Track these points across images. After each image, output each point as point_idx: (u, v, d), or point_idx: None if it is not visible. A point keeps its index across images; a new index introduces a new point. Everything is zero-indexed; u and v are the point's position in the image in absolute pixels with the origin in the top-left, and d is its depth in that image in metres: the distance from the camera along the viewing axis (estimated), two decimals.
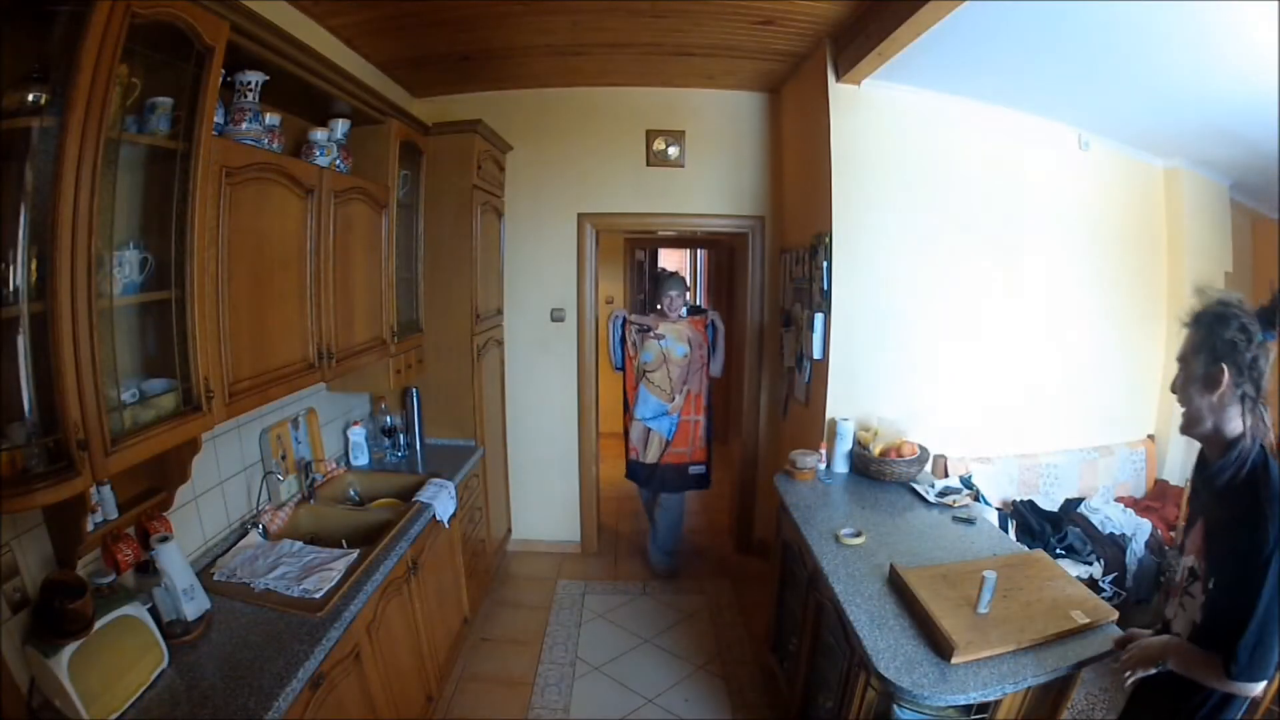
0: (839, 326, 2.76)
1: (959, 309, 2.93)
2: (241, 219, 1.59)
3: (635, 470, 3.68)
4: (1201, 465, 1.32)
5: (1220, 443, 1.22)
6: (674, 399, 3.50)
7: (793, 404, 3.35)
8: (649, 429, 3.56)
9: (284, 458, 2.25)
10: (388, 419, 2.87)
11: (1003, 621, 1.56)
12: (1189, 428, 1.27)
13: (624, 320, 3.55)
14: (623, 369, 3.60)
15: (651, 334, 3.48)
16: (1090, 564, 2.68)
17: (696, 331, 3.51)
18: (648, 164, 3.51)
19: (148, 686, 1.33)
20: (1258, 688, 1.16)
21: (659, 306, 3.59)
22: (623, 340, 3.55)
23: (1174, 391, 1.28)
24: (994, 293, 2.99)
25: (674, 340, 3.46)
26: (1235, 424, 1.19)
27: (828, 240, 2.71)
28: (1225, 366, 1.17)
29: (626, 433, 3.65)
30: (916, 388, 2.89)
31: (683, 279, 3.70)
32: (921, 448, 2.60)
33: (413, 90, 3.33)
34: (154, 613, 1.45)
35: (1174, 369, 1.30)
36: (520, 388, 3.72)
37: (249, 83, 1.70)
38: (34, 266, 1.06)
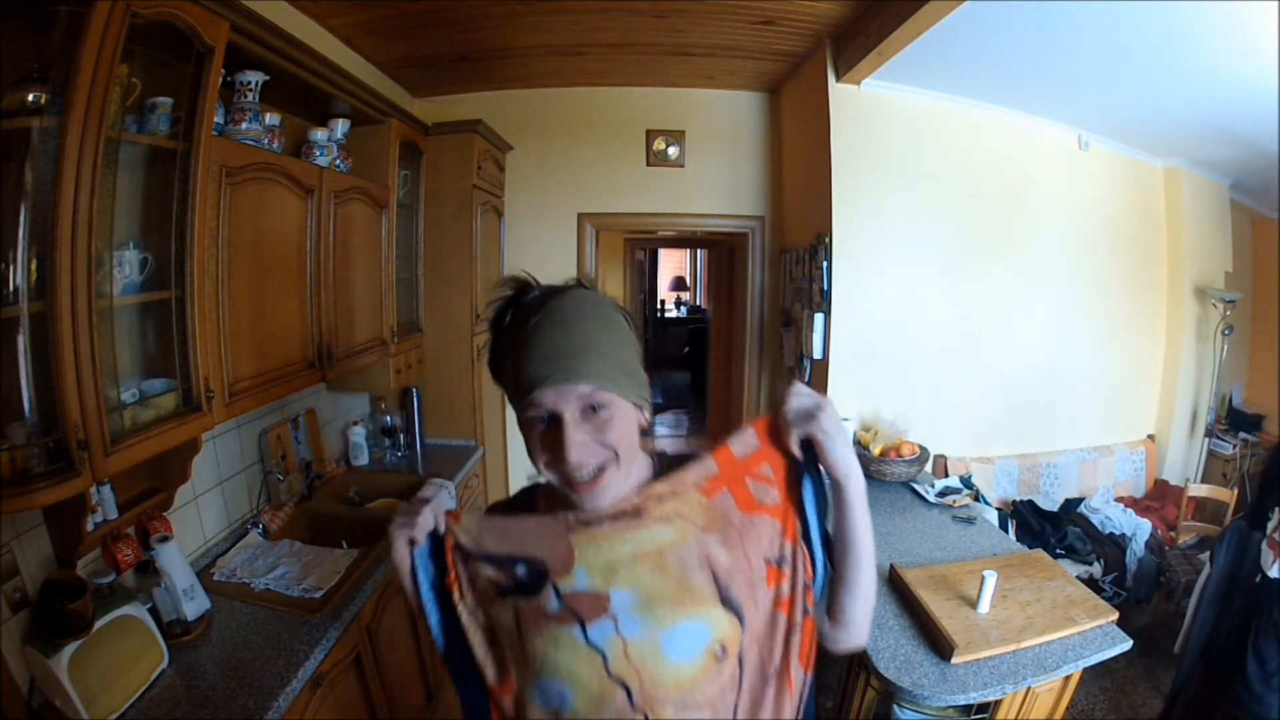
0: (839, 326, 2.76)
1: (959, 308, 2.93)
2: (241, 219, 1.59)
3: None
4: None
5: None
6: None
7: None
8: None
9: (284, 458, 2.25)
10: (388, 419, 2.87)
11: (1003, 621, 1.56)
12: None
13: (439, 539, 0.78)
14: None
15: (556, 604, 0.72)
16: (1090, 564, 2.68)
17: (751, 520, 0.75)
18: (648, 164, 3.51)
19: (148, 686, 1.33)
20: None
21: (552, 456, 0.72)
22: (442, 594, 0.78)
23: None
24: (994, 292, 2.99)
25: (642, 614, 0.70)
26: None
27: (828, 240, 2.71)
28: None
29: None
30: (916, 387, 2.89)
31: (611, 314, 0.76)
32: (921, 448, 2.60)
33: (413, 90, 3.33)
34: (154, 613, 1.45)
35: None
36: None
37: (249, 83, 1.69)
38: (34, 266, 1.06)
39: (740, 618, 0.71)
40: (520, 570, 0.74)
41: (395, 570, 0.79)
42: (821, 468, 0.75)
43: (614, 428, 0.71)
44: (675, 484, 0.75)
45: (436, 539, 0.77)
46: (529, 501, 0.85)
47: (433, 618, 0.78)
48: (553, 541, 0.74)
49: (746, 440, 0.77)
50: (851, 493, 0.75)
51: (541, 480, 0.76)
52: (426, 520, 0.76)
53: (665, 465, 0.80)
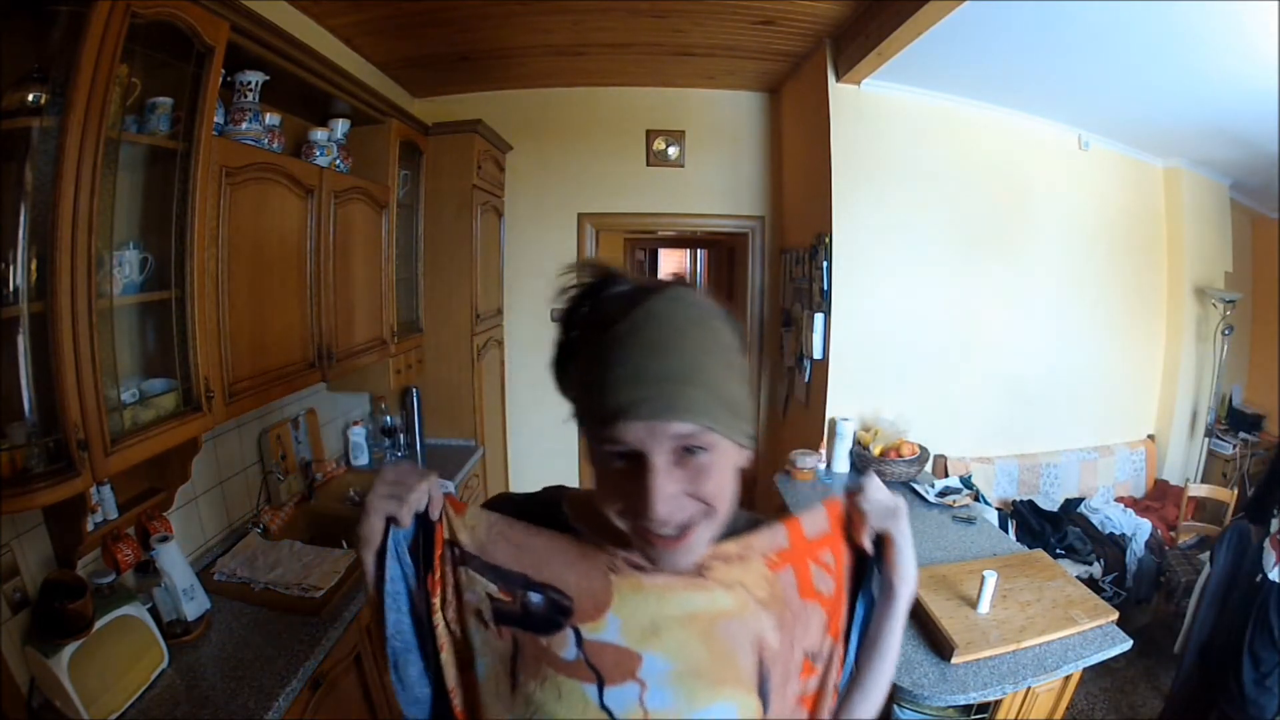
0: (839, 326, 2.76)
1: (959, 308, 2.93)
2: (241, 219, 1.59)
3: None
4: None
5: None
6: None
7: (793, 404, 3.35)
8: None
9: (284, 458, 2.25)
10: (388, 419, 2.87)
11: (1003, 621, 1.56)
12: None
13: (428, 526, 0.63)
14: None
15: (574, 653, 0.60)
16: (1090, 564, 2.68)
17: (806, 606, 0.66)
18: (648, 164, 3.51)
19: (148, 686, 1.33)
20: None
21: (629, 504, 0.55)
22: (411, 593, 0.63)
23: None
24: (994, 291, 2.99)
25: (676, 687, 0.60)
26: None
27: (828, 240, 2.71)
28: None
29: None
30: (916, 387, 2.89)
31: (719, 326, 0.57)
32: (921, 448, 2.60)
33: (413, 90, 3.33)
34: (154, 613, 1.45)
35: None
36: (520, 388, 3.71)
37: (249, 83, 1.70)
38: (34, 266, 1.06)
39: (765, 706, 0.63)
40: (534, 599, 0.61)
41: (359, 545, 0.61)
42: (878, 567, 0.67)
43: (713, 476, 0.55)
44: (745, 547, 0.64)
45: (425, 526, 0.62)
46: (551, 509, 0.67)
47: (391, 617, 0.62)
48: (587, 577, 0.61)
49: (818, 520, 0.67)
50: (903, 599, 0.67)
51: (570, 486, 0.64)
52: (419, 499, 0.60)
53: (735, 520, 0.63)
